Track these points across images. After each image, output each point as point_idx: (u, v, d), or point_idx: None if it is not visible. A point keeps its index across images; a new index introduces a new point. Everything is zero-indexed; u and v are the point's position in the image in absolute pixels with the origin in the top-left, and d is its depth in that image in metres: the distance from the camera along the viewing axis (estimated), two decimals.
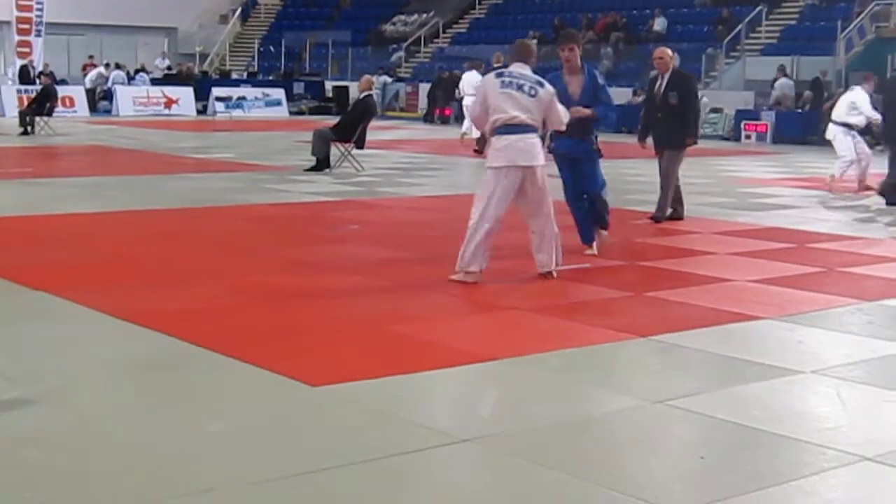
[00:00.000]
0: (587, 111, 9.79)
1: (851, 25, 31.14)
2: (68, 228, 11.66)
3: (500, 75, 8.98)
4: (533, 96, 8.78)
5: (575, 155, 10.11)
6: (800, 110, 29.85)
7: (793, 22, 35.22)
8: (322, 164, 18.09)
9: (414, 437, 5.22)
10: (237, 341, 6.86)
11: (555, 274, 9.07)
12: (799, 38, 33.54)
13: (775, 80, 31.27)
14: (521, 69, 8.94)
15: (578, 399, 5.98)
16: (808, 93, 29.82)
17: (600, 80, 10.09)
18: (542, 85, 8.87)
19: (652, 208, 13.68)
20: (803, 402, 6.08)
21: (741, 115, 30.34)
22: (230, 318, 7.58)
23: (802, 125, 29.17)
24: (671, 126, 12.49)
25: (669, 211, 12.77)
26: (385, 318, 7.77)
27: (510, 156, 8.72)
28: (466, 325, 7.74)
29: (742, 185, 17.76)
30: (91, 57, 40.06)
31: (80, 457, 4.90)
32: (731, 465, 4.97)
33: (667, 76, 12.55)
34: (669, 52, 12.90)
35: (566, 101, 9.69)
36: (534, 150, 8.79)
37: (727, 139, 29.93)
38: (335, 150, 18.27)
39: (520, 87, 8.78)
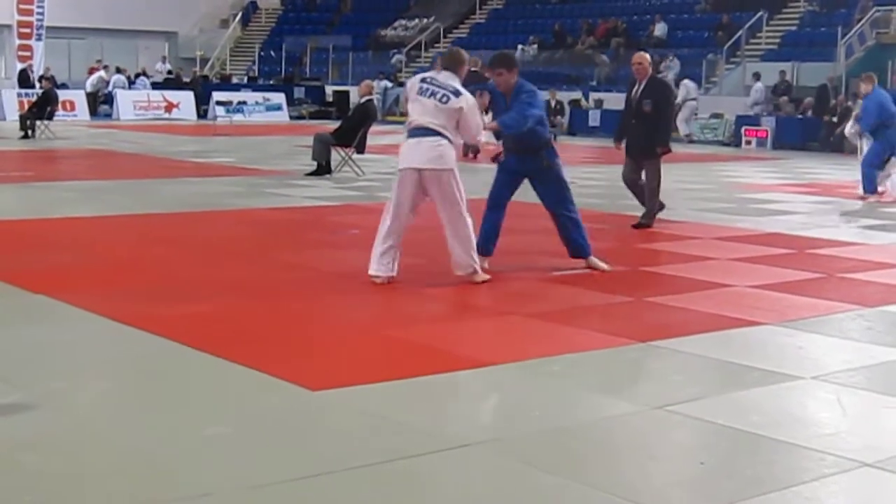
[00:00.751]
0: (493, 125, 9.40)
1: (852, 31, 31.16)
2: (68, 232, 11.65)
3: (423, 80, 8.99)
4: (444, 103, 8.76)
5: (522, 172, 9.71)
6: (800, 116, 29.86)
7: (793, 28, 35.25)
8: (322, 168, 18.10)
9: (413, 441, 5.21)
10: (236, 345, 6.86)
11: (477, 278, 8.93)
12: (799, 43, 33.57)
13: (688, 79, 31.54)
14: (446, 78, 8.93)
15: (578, 404, 5.98)
16: (809, 99, 29.83)
17: (522, 96, 9.39)
18: (457, 94, 8.78)
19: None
20: (803, 408, 6.07)
21: (741, 120, 30.36)
22: (229, 322, 7.57)
23: (803, 131, 29.20)
24: (643, 133, 12.45)
25: (643, 220, 12.71)
26: (385, 322, 7.77)
27: (409, 158, 8.83)
28: (466, 329, 7.73)
29: (742, 190, 17.75)
30: (99, 61, 40.06)
31: (77, 460, 4.89)
32: (731, 471, 4.97)
33: (643, 83, 12.46)
34: (648, 57, 12.83)
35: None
36: (433, 153, 8.76)
37: (727, 145, 29.94)
38: (336, 155, 18.28)
39: (433, 94, 8.81)
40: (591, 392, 6.21)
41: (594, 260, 9.80)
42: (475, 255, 9.00)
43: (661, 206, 12.95)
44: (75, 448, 5.05)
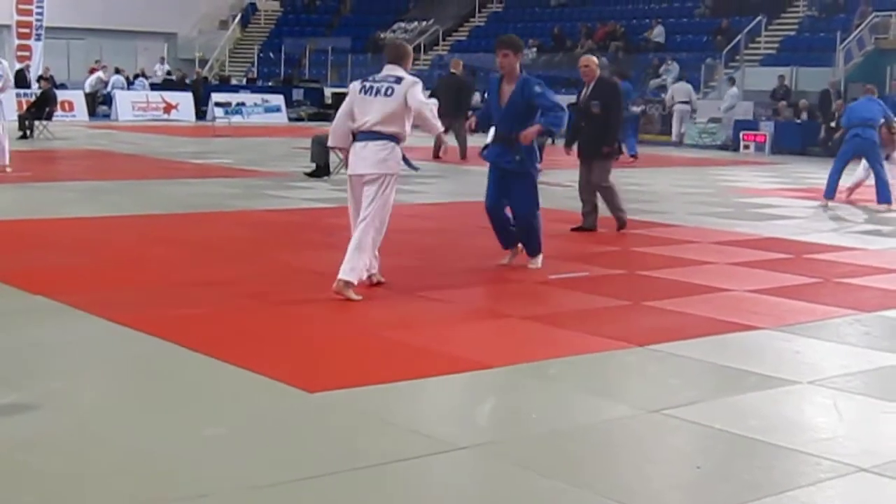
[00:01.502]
0: (535, 129, 9.52)
1: (850, 37, 31.19)
2: (67, 233, 11.65)
3: (363, 81, 8.84)
4: (389, 96, 8.58)
5: (502, 165, 9.75)
6: (798, 121, 29.88)
7: (792, 33, 35.27)
8: (321, 170, 18.10)
9: (411, 444, 5.22)
10: (235, 346, 6.87)
11: (348, 292, 8.40)
12: (798, 49, 33.59)
13: (727, 90, 31.66)
14: (389, 71, 8.81)
15: (575, 407, 5.99)
16: (802, 101, 29.86)
17: (537, 89, 9.53)
18: (398, 81, 8.65)
19: (651, 217, 13.74)
20: (800, 413, 6.09)
21: (740, 125, 30.38)
22: (228, 324, 7.59)
23: (801, 136, 29.21)
24: (592, 135, 12.36)
25: (582, 223, 12.59)
26: (382, 324, 7.77)
27: (351, 163, 8.74)
28: (464, 332, 7.74)
29: (740, 195, 17.76)
30: (98, 61, 40.04)
31: (77, 461, 4.90)
32: (728, 475, 4.98)
33: (591, 85, 12.35)
34: (595, 60, 12.72)
35: (494, 109, 9.82)
36: (376, 157, 8.57)
37: (726, 149, 29.96)
38: (334, 157, 18.27)
39: (377, 92, 8.65)
40: (588, 395, 6.22)
41: (534, 260, 9.96)
42: (363, 269, 8.60)
43: (591, 227, 12.65)
44: (75, 448, 5.06)
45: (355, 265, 8.45)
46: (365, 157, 8.60)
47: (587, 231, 12.50)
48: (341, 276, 8.39)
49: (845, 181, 16.77)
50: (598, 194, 12.65)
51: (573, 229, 12.49)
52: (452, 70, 23.43)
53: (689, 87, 31.77)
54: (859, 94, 29.31)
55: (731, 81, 31.69)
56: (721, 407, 5.97)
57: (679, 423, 5.67)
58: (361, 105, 8.68)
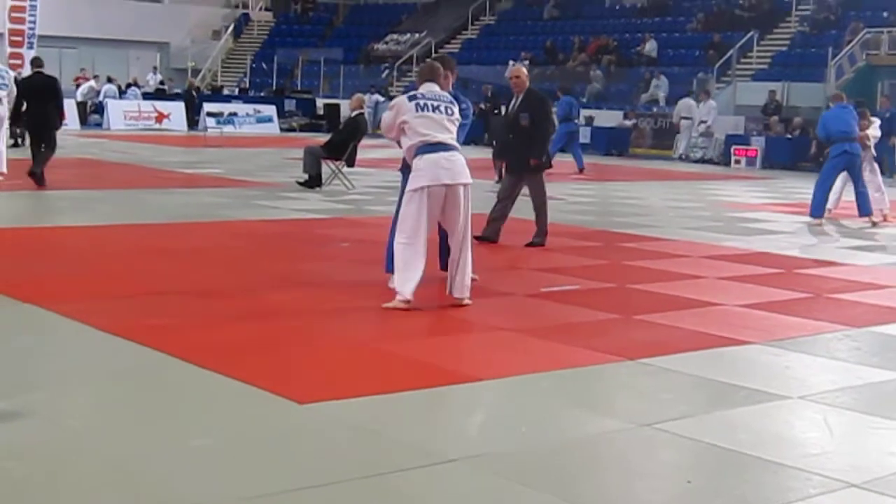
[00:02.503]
0: None
1: (842, 52, 31.29)
2: (58, 241, 11.63)
3: (413, 98, 8.78)
4: (451, 115, 8.73)
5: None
6: (790, 136, 29.96)
7: (784, 48, 35.38)
8: (313, 181, 18.10)
9: (400, 456, 5.21)
10: (224, 357, 6.85)
11: (468, 301, 8.70)
12: (790, 64, 33.69)
13: (680, 97, 31.94)
14: (432, 88, 8.87)
15: (565, 421, 5.98)
16: (797, 118, 29.94)
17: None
18: (454, 103, 8.83)
19: (642, 231, 13.75)
20: (790, 428, 6.08)
21: (731, 139, 30.45)
22: (218, 334, 7.57)
23: (792, 151, 29.28)
24: (521, 147, 12.18)
25: (486, 231, 12.12)
26: (373, 336, 7.77)
27: (439, 174, 8.53)
28: (455, 345, 7.73)
29: (731, 209, 17.79)
30: (83, 70, 40.04)
31: (64, 470, 4.87)
32: (718, 490, 4.97)
33: (520, 96, 12.15)
34: (525, 71, 12.55)
35: None
36: (463, 168, 8.62)
37: (717, 164, 30.02)
38: (326, 168, 18.29)
39: (436, 109, 8.68)
40: (578, 409, 6.21)
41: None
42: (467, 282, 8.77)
43: (492, 238, 12.23)
44: (62, 458, 5.03)
45: (468, 281, 8.70)
46: (462, 166, 8.59)
47: (488, 241, 12.01)
48: (462, 295, 8.65)
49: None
50: (534, 209, 12.31)
51: (527, 245, 12.14)
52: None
53: (691, 102, 31.85)
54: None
55: (707, 94, 31.83)
56: (712, 421, 5.97)
57: (670, 438, 5.66)
58: (423, 120, 8.61)
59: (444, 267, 9.47)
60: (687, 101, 31.71)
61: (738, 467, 5.24)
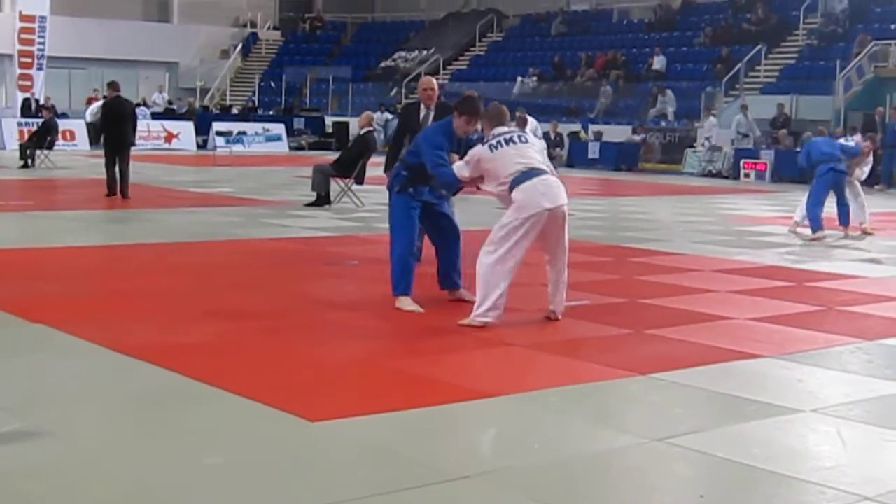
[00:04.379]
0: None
1: (850, 65, 31.29)
2: (68, 261, 11.66)
3: (490, 147, 8.70)
4: (527, 143, 8.79)
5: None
6: (799, 149, 29.90)
7: (792, 61, 35.39)
8: (322, 199, 18.13)
9: (412, 473, 5.20)
10: (235, 375, 6.85)
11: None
12: (798, 77, 33.70)
13: (690, 111, 31.88)
14: (500, 130, 8.84)
15: (578, 436, 5.97)
16: (807, 133, 29.91)
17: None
18: (521, 135, 8.92)
19: (652, 245, 13.74)
20: (803, 441, 6.07)
21: (740, 153, 30.44)
22: (228, 352, 7.57)
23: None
24: None
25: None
26: (383, 353, 7.77)
27: (547, 197, 8.50)
28: (465, 361, 7.72)
29: (741, 223, 17.78)
30: (96, 90, 40.20)
31: (77, 490, 4.88)
32: None
33: (431, 108, 11.79)
34: (436, 83, 12.36)
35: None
36: (563, 190, 8.70)
37: (726, 177, 30.00)
38: (335, 186, 18.32)
39: (515, 141, 8.70)
40: (590, 424, 6.20)
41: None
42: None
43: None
44: (77, 477, 5.04)
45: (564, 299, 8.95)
46: (559, 187, 8.62)
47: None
48: (559, 309, 8.92)
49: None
50: None
51: None
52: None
53: (715, 120, 31.90)
54: (858, 122, 29.47)
55: (708, 111, 32.03)
56: (724, 435, 5.96)
57: (682, 452, 5.65)
58: (509, 149, 8.59)
59: (444, 288, 9.60)
60: (712, 120, 31.86)
61: (751, 481, 5.23)
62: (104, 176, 18.57)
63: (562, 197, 8.63)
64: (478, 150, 8.78)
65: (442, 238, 9.71)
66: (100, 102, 38.78)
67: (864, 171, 17.51)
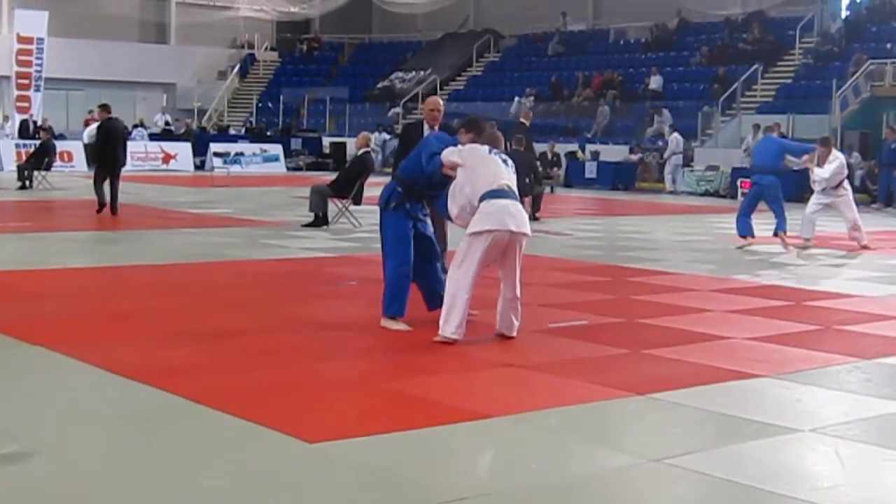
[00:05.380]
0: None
1: (847, 84, 31.36)
2: (66, 283, 11.65)
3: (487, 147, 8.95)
4: (508, 166, 8.90)
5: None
6: (796, 168, 29.93)
7: (788, 81, 35.46)
8: (320, 220, 18.14)
9: (409, 495, 5.20)
10: (233, 397, 6.84)
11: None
12: (794, 96, 33.76)
13: (684, 131, 32.22)
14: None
15: (576, 457, 5.97)
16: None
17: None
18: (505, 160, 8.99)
19: (650, 265, 13.74)
20: (801, 461, 6.06)
21: (737, 172, 30.45)
22: (226, 374, 7.56)
23: (798, 183, 29.25)
24: None
25: None
26: (381, 374, 7.76)
27: (506, 219, 8.57)
28: (463, 382, 7.72)
29: (738, 242, 17.77)
30: (91, 111, 40.24)
31: None
32: None
33: (436, 129, 11.50)
34: (442, 104, 12.22)
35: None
36: (525, 217, 8.84)
37: (723, 196, 30.02)
38: (333, 206, 18.33)
39: (505, 161, 8.88)
40: (588, 445, 6.20)
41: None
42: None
43: None
44: (75, 499, 5.04)
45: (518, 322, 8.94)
46: (518, 215, 8.66)
47: None
48: (511, 332, 8.90)
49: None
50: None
51: None
52: (522, 120, 22.69)
53: (680, 137, 32.06)
54: (855, 141, 29.58)
55: (673, 128, 32.38)
56: (722, 456, 5.95)
57: (681, 473, 5.65)
58: (490, 164, 8.76)
59: (433, 307, 9.43)
60: (676, 136, 32.08)
61: (750, 501, 5.23)
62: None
63: (527, 226, 8.75)
64: (476, 146, 8.88)
65: (424, 260, 9.54)
66: (97, 124, 39.06)
67: (825, 172, 17.38)
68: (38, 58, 37.54)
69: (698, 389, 7.39)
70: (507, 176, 8.77)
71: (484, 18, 48.21)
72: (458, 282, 8.64)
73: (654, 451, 5.97)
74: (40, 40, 37.67)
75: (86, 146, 36.19)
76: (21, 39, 37.81)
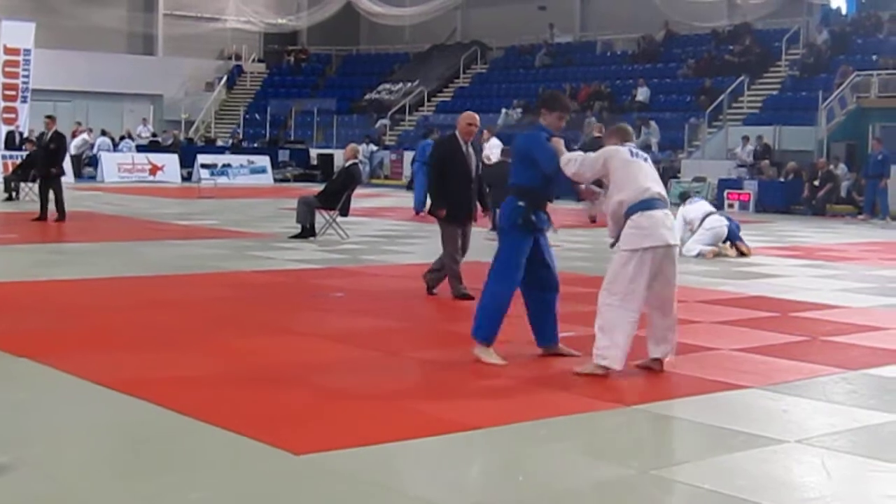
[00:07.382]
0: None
1: (833, 96, 31.46)
2: (52, 295, 11.62)
3: (626, 147, 8.30)
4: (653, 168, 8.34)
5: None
6: (783, 180, 30.07)
7: (774, 92, 35.58)
8: (307, 231, 18.12)
9: None
10: (219, 409, 6.83)
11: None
12: (781, 108, 33.86)
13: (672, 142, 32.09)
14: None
15: (565, 469, 5.96)
16: (791, 163, 30.06)
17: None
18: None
19: None
20: (788, 472, 6.07)
21: (724, 183, 30.55)
22: (213, 386, 7.55)
23: (785, 195, 29.39)
24: (474, 196, 11.76)
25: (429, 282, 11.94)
26: (369, 386, 7.75)
27: (661, 233, 8.03)
28: (453, 393, 7.71)
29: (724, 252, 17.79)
30: (79, 123, 40.19)
31: None
32: None
33: (470, 143, 11.70)
34: (477, 116, 11.98)
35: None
36: (672, 226, 8.28)
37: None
38: (320, 218, 18.32)
39: (646, 159, 8.30)
40: (577, 456, 6.20)
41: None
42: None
43: (436, 284, 11.95)
44: None
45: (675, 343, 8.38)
46: (671, 227, 8.18)
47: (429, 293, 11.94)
48: (666, 358, 8.30)
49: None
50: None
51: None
52: (597, 134, 22.37)
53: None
54: (841, 153, 29.68)
55: (745, 140, 32.40)
56: (710, 467, 5.96)
57: (668, 484, 5.65)
58: (633, 167, 8.16)
59: (541, 344, 8.85)
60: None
61: None
62: (89, 209, 18.64)
63: (675, 236, 8.27)
64: (611, 149, 8.22)
65: (543, 288, 8.83)
66: (84, 135, 39.00)
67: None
68: (24, 69, 37.45)
69: (686, 400, 7.41)
70: (657, 181, 8.19)
71: (471, 30, 48.28)
72: (609, 305, 8.09)
73: (643, 462, 5.98)
74: (27, 51, 37.58)
75: (73, 157, 36.19)
76: (7, 51, 37.71)
